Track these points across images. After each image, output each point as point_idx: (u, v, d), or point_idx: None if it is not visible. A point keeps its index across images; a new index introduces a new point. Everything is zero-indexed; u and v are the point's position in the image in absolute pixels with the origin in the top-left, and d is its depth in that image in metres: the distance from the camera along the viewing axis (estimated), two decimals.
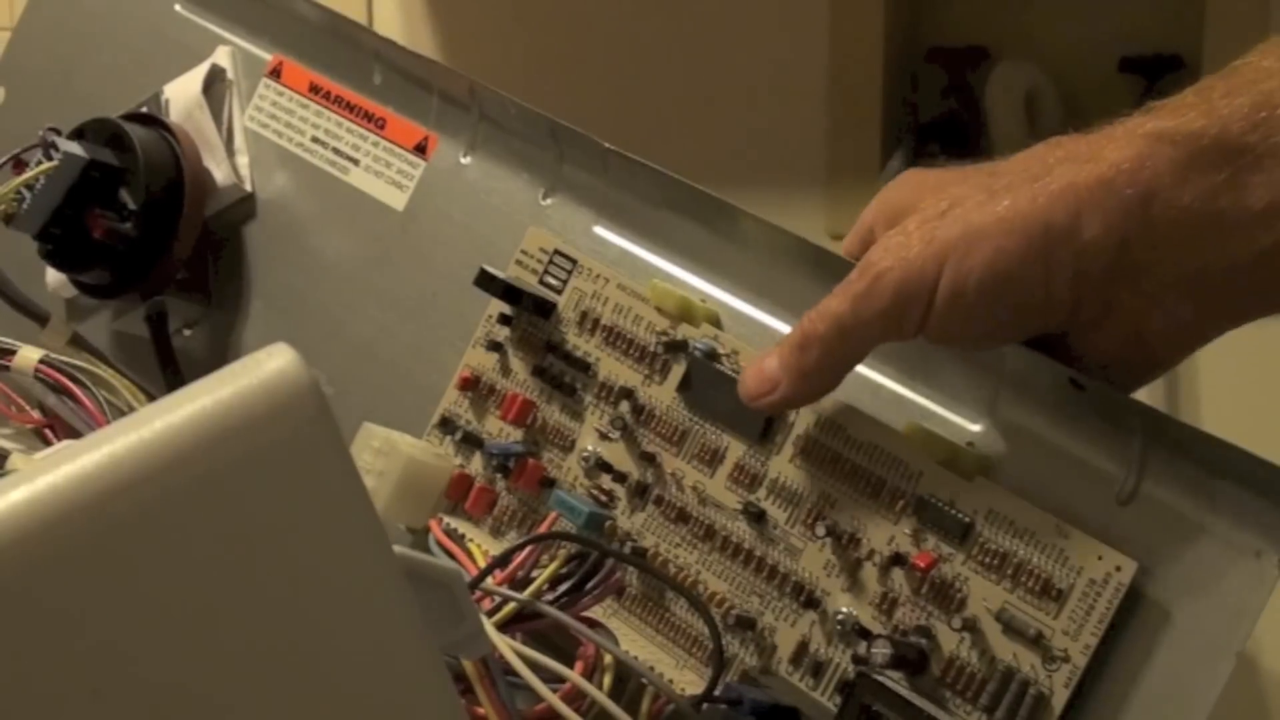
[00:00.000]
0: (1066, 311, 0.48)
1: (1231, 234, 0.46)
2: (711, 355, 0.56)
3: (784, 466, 0.54)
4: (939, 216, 0.49)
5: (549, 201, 0.62)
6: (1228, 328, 0.49)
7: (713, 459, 0.55)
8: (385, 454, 0.58)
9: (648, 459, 0.56)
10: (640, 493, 0.56)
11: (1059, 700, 0.48)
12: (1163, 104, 0.47)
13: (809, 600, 0.53)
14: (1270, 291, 0.47)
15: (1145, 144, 0.46)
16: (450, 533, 0.57)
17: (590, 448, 0.58)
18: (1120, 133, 0.47)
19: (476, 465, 0.60)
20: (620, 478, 0.57)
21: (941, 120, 1.20)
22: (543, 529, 0.55)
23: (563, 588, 0.51)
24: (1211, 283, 0.47)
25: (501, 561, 0.52)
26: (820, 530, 0.52)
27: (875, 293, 0.49)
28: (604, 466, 0.57)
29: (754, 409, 0.53)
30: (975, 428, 0.52)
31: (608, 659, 0.51)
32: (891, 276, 0.48)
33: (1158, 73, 1.12)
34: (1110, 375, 0.51)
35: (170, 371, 0.68)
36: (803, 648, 0.53)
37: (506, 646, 0.48)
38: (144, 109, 0.71)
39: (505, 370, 0.60)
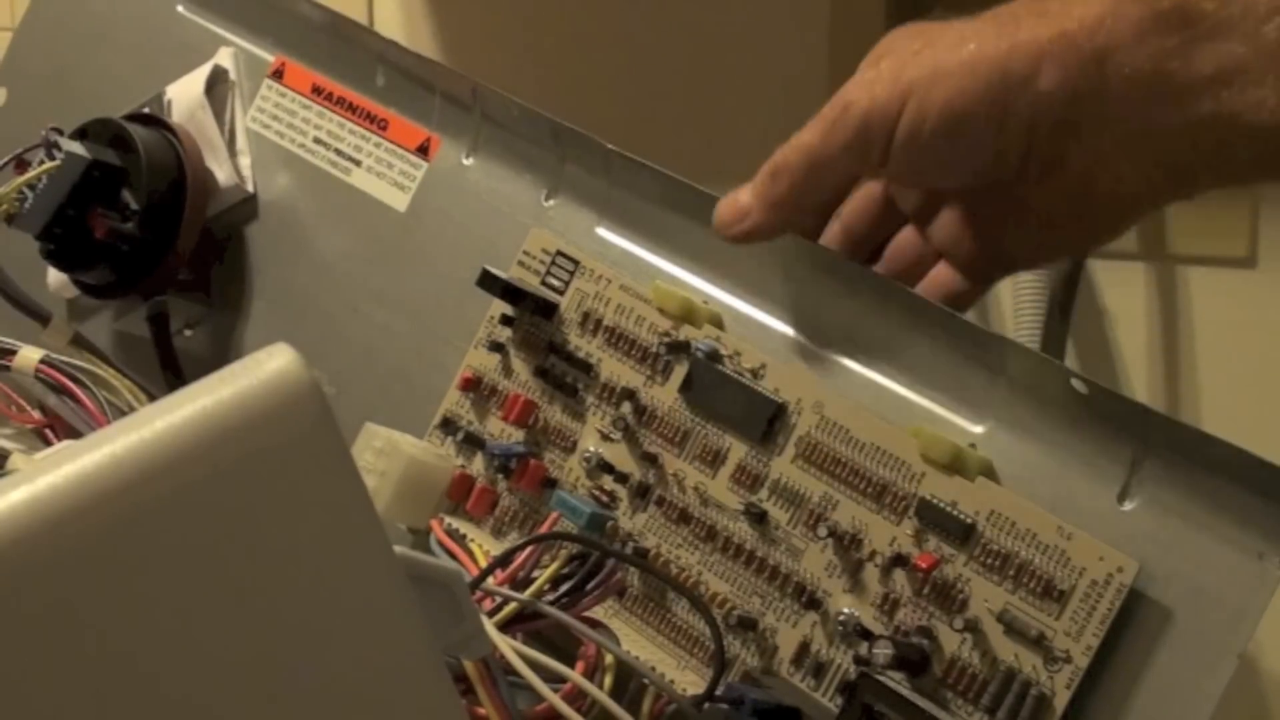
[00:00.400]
0: (1017, 159, 0.50)
1: (1177, 97, 0.47)
2: (713, 356, 0.56)
3: (786, 467, 0.54)
4: (911, 56, 0.51)
5: (551, 202, 0.62)
6: (1173, 196, 0.51)
7: (714, 460, 0.55)
8: (387, 454, 0.58)
9: (649, 460, 0.56)
10: (642, 493, 0.56)
11: (1060, 701, 0.48)
12: None
13: (810, 601, 0.53)
14: (1211, 162, 0.48)
15: (1110, 3, 0.48)
16: (452, 533, 0.57)
17: (592, 448, 0.57)
18: None
19: (478, 466, 0.60)
20: (622, 478, 0.57)
21: None
22: (544, 529, 0.55)
23: (564, 588, 0.51)
24: (1155, 145, 0.48)
25: (502, 561, 0.51)
26: (822, 531, 0.52)
27: (842, 123, 0.51)
28: (606, 467, 0.57)
29: (726, 240, 0.55)
30: (977, 429, 0.52)
31: (609, 659, 0.51)
32: (858, 108, 0.51)
33: None
34: (1061, 238, 0.53)
35: (171, 372, 0.68)
36: (804, 648, 0.53)
37: (507, 646, 0.48)
38: (146, 109, 0.71)
39: (507, 371, 0.60)
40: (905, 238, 0.57)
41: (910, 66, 0.50)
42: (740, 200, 0.54)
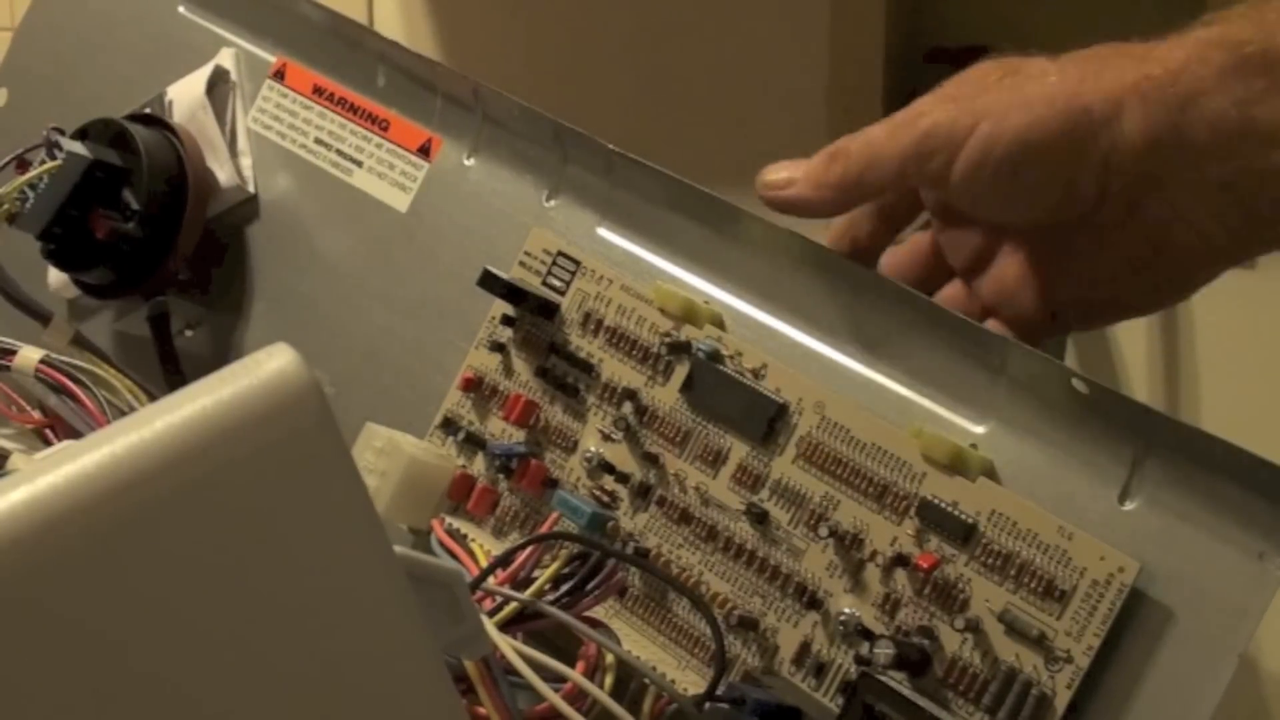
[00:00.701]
0: (1089, 204, 0.49)
1: (1263, 145, 0.46)
2: (715, 356, 0.56)
3: (787, 467, 0.54)
4: (993, 82, 0.50)
5: (553, 203, 0.62)
6: (1255, 250, 0.50)
7: (715, 460, 0.55)
8: (388, 454, 0.58)
9: (650, 460, 0.56)
10: (643, 493, 0.56)
11: (1061, 701, 0.48)
12: (1219, 13, 0.48)
13: (811, 601, 0.53)
14: None
15: (1194, 48, 0.47)
16: (452, 533, 0.57)
17: (593, 448, 0.57)
18: (1174, 37, 0.48)
19: (479, 466, 0.60)
20: (623, 478, 0.57)
21: None
22: (545, 529, 0.55)
23: (564, 588, 0.51)
24: (1238, 195, 0.47)
25: (503, 561, 0.51)
26: (823, 531, 0.52)
27: (909, 127, 0.51)
28: (606, 467, 0.57)
29: (762, 198, 0.54)
30: (979, 429, 0.52)
31: (609, 659, 0.51)
32: (929, 118, 0.50)
33: None
34: (1127, 293, 0.52)
35: (172, 372, 0.68)
36: (805, 648, 0.53)
37: (508, 646, 0.48)
38: (147, 110, 0.71)
39: (508, 371, 0.60)
40: (950, 293, 0.57)
41: (989, 91, 0.50)
42: (790, 167, 0.53)
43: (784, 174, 0.54)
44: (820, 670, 0.52)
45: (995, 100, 0.50)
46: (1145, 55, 0.48)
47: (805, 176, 0.53)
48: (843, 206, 0.54)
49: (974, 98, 0.50)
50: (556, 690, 0.48)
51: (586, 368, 0.58)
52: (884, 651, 0.49)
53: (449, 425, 0.61)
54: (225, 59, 0.71)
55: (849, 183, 0.52)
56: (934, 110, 0.51)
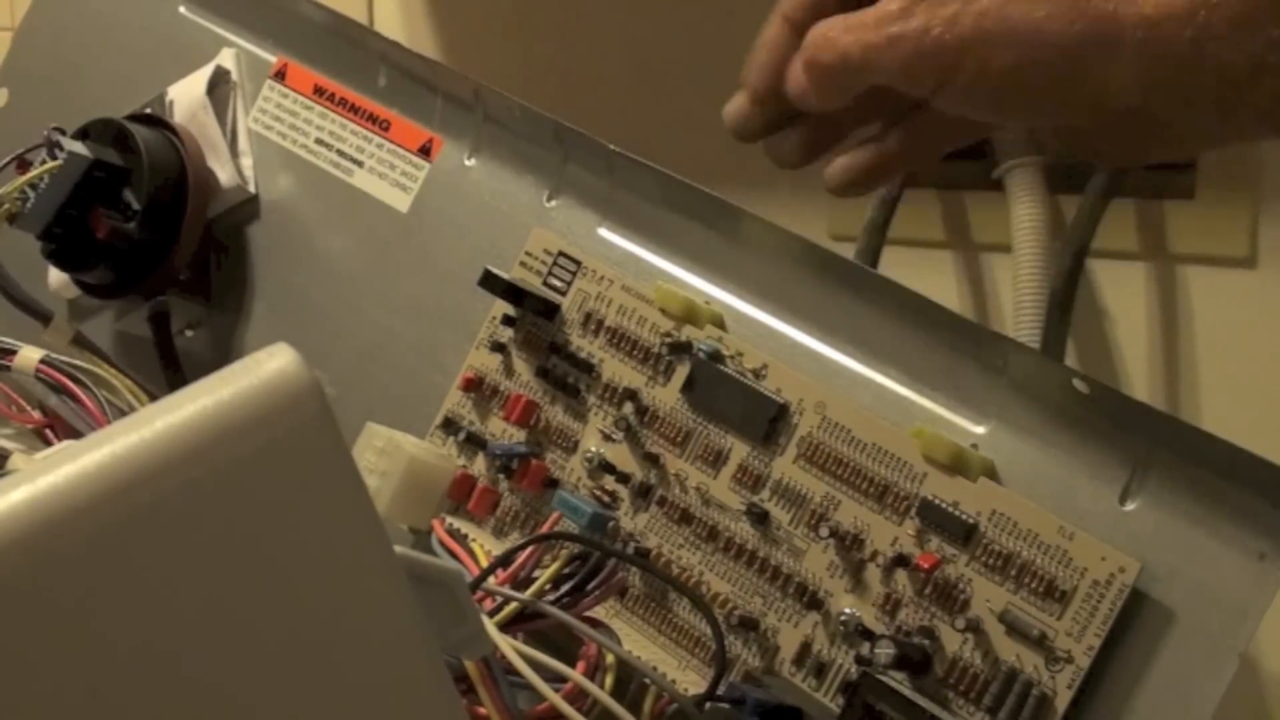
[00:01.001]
0: (1080, 125, 0.47)
1: (1274, 89, 0.43)
2: (715, 357, 0.56)
3: (787, 468, 0.54)
4: None
5: (553, 203, 0.62)
6: (1264, 137, 0.47)
7: (716, 460, 0.55)
8: (388, 454, 0.58)
9: (651, 460, 0.56)
10: (643, 493, 0.56)
11: (1062, 701, 0.48)
12: None
13: (812, 601, 0.53)
14: None
15: None
16: (453, 533, 0.57)
17: (593, 449, 0.57)
18: None
19: (479, 466, 0.60)
20: (623, 479, 0.57)
21: None
22: (545, 529, 0.55)
23: (565, 588, 0.51)
24: (1246, 108, 0.44)
25: (504, 561, 0.51)
26: (824, 531, 0.52)
27: (886, 54, 0.47)
28: (607, 467, 0.57)
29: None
30: (979, 429, 0.52)
31: (610, 659, 0.51)
32: (906, 47, 0.47)
33: None
34: (1112, 154, 0.50)
35: (172, 372, 0.68)
36: (806, 648, 0.53)
37: (508, 646, 0.48)
38: (148, 110, 0.71)
39: (509, 371, 0.60)
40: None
41: (969, 12, 0.46)
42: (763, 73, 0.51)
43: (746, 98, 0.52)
44: (821, 670, 0.52)
45: (980, 29, 0.45)
46: None
47: (793, 88, 0.51)
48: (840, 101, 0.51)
49: (954, 19, 0.46)
50: (557, 690, 0.48)
51: (587, 368, 0.58)
52: (885, 651, 0.49)
53: (449, 425, 0.61)
54: (226, 59, 0.71)
55: (833, 87, 0.49)
56: (912, 34, 0.46)
